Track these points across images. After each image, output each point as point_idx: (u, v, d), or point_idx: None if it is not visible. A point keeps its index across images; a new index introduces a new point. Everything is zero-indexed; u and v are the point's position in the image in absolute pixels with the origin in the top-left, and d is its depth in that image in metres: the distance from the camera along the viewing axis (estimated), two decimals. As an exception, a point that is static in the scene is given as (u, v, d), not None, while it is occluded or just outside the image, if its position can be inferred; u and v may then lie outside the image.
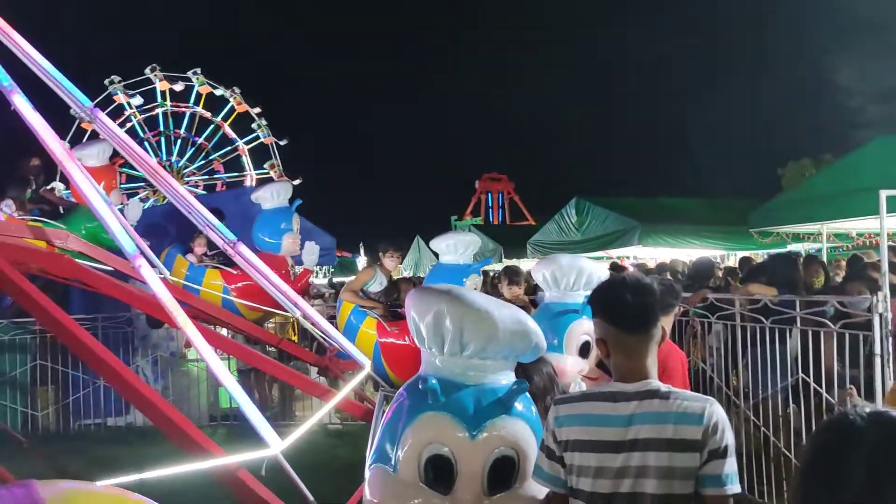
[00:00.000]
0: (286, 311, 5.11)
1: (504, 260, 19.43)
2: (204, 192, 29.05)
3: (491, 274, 12.24)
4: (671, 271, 10.77)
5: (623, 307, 2.33)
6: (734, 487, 2.16)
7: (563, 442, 2.29)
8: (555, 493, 2.34)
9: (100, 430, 8.97)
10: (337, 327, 6.18)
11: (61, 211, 8.83)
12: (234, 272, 7.58)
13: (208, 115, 33.22)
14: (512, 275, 7.05)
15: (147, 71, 31.14)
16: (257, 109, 33.04)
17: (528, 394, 2.54)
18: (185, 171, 32.85)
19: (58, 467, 5.84)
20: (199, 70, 31.98)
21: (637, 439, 2.19)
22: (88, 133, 20.88)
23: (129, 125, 31.50)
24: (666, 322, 4.59)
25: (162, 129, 33.02)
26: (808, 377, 5.43)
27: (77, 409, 9.06)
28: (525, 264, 18.12)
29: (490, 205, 57.45)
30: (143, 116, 32.29)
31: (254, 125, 33.18)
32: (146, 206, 10.42)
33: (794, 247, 11.86)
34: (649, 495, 2.15)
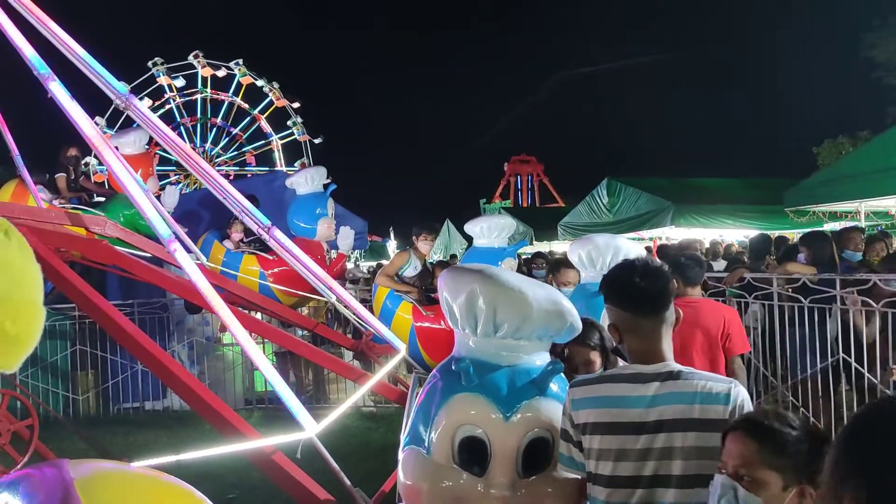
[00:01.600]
0: (322, 295, 5.14)
1: (535, 243, 19.35)
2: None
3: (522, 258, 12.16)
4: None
5: (633, 292, 2.29)
6: None
7: (580, 425, 2.23)
8: (578, 479, 2.30)
9: (138, 413, 9.13)
10: (373, 312, 6.20)
11: (94, 198, 8.96)
12: (271, 258, 7.63)
13: (246, 106, 33.57)
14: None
15: (190, 57, 31.51)
16: (296, 104, 33.27)
17: (562, 373, 2.52)
18: (217, 160, 33.20)
19: (99, 449, 5.97)
20: (241, 61, 32.33)
21: (662, 420, 2.15)
22: (125, 115, 21.18)
23: (167, 108, 31.96)
24: (695, 293, 4.59)
25: (199, 115, 33.42)
26: (850, 357, 5.33)
27: (116, 393, 9.22)
28: (556, 246, 18.06)
29: (519, 187, 57.21)
30: (181, 100, 32.71)
31: (289, 122, 33.44)
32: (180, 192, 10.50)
33: (830, 225, 11.66)
34: (675, 476, 2.12)
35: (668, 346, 2.30)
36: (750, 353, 6.39)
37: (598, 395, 2.23)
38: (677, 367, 2.25)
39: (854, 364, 5.31)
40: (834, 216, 11.55)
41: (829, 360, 5.61)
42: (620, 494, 2.16)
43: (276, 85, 33.08)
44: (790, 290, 5.91)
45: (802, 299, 5.64)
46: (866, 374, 5.26)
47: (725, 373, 4.41)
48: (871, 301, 5.20)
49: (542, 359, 2.51)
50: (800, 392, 5.95)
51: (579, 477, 2.31)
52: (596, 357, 2.91)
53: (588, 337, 2.89)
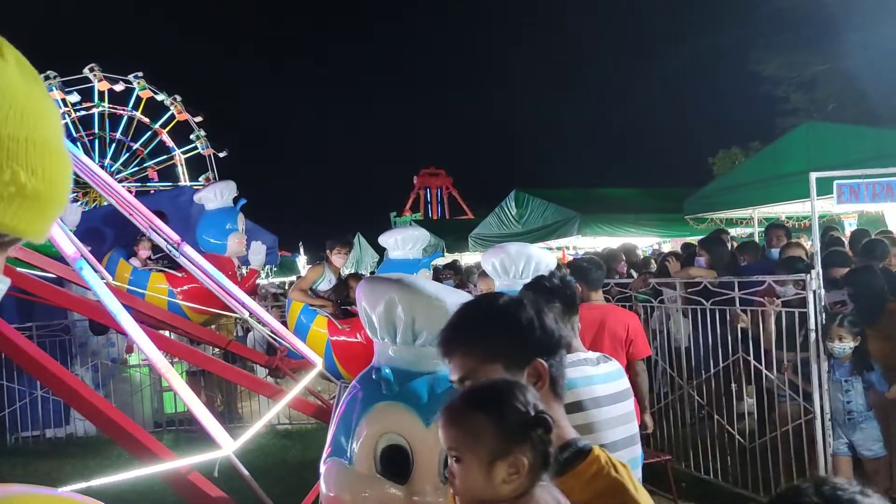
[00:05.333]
0: (234, 312, 5.05)
1: (446, 255, 19.48)
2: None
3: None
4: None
5: (550, 299, 2.67)
6: None
7: (568, 404, 2.45)
8: None
9: (38, 442, 8.71)
10: (287, 327, 6.13)
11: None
12: (180, 275, 7.44)
13: (146, 120, 32.53)
14: None
15: (86, 71, 30.30)
16: (199, 118, 32.47)
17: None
18: (117, 176, 32.01)
19: (-1, 481, 5.68)
20: (140, 74, 31.31)
21: (608, 395, 2.58)
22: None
23: (62, 122, 30.60)
24: (598, 297, 4.78)
25: (97, 130, 32.15)
26: (749, 356, 5.61)
27: (13, 422, 8.78)
28: (467, 258, 18.24)
29: (429, 200, 57.45)
30: (77, 115, 31.41)
31: (192, 136, 32.61)
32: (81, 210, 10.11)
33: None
34: (615, 441, 2.52)
35: (579, 340, 2.79)
36: (657, 355, 6.66)
37: (575, 377, 2.51)
38: (593, 353, 2.74)
39: (753, 363, 5.58)
40: (731, 223, 12.11)
41: (731, 359, 5.89)
42: None
43: (177, 98, 32.22)
44: (689, 291, 6.16)
45: (704, 302, 5.90)
46: (764, 373, 5.54)
47: (628, 375, 4.63)
48: (765, 301, 5.49)
49: (461, 365, 2.55)
50: (704, 391, 6.22)
51: None
52: None
53: None
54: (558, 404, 1.66)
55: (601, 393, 2.56)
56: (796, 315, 5.19)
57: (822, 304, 5.03)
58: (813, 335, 5.00)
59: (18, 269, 4.59)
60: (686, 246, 9.27)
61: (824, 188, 5.57)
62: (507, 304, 1.74)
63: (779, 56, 24.31)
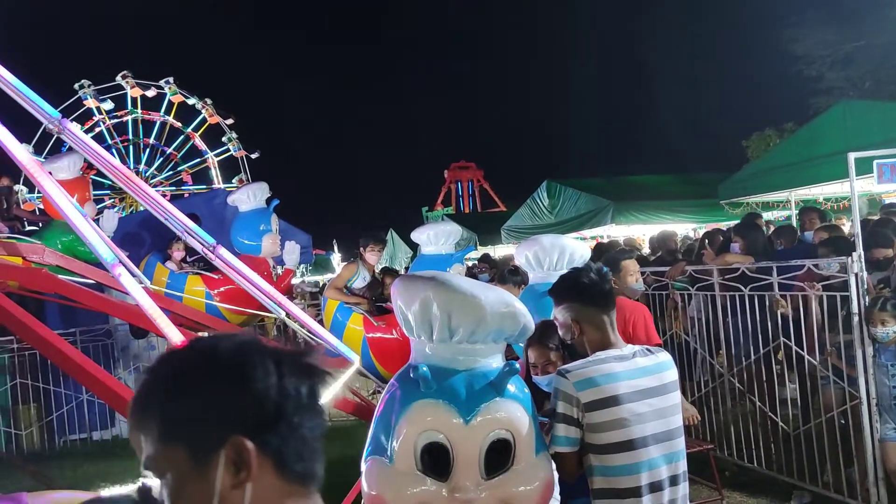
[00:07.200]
0: (271, 312, 5.08)
1: (479, 247, 19.47)
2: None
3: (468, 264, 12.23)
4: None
5: (594, 290, 2.81)
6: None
7: (587, 403, 2.56)
8: (569, 454, 2.61)
9: (86, 444, 8.90)
10: (323, 326, 6.16)
11: (26, 226, 8.73)
12: (216, 277, 7.53)
13: (179, 125, 32.98)
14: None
15: (118, 78, 30.78)
16: (230, 120, 32.83)
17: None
18: (152, 181, 32.50)
19: (48, 483, 5.79)
20: (171, 79, 31.72)
21: (643, 389, 2.62)
22: (54, 138, 20.66)
23: (97, 130, 31.16)
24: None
25: (131, 136, 32.67)
26: (790, 341, 5.51)
27: (61, 426, 8.97)
28: (500, 250, 18.20)
29: (460, 194, 57.38)
30: (111, 122, 31.95)
31: (224, 138, 32.97)
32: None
33: (764, 216, 12.03)
34: (651, 435, 2.59)
35: (617, 334, 2.81)
36: (696, 343, 6.59)
37: (597, 375, 2.60)
38: (636, 346, 2.78)
39: (794, 348, 5.48)
40: (767, 206, 11.94)
41: (771, 345, 5.79)
42: (617, 458, 2.56)
43: (208, 101, 32.59)
44: (726, 278, 6.06)
45: (742, 288, 5.81)
46: (806, 358, 5.44)
47: None
48: (805, 286, 5.39)
49: (497, 361, 2.53)
50: (745, 378, 6.13)
51: (542, 467, 2.46)
52: (557, 357, 3.16)
53: (549, 338, 3.13)
54: (299, 495, 1.21)
55: (627, 389, 2.58)
56: (838, 299, 5.09)
57: (865, 286, 4.92)
58: (856, 318, 4.90)
59: (60, 276, 4.67)
60: (711, 232, 9.14)
61: (863, 168, 5.45)
62: (190, 356, 1.19)
63: (812, 34, 23.79)
